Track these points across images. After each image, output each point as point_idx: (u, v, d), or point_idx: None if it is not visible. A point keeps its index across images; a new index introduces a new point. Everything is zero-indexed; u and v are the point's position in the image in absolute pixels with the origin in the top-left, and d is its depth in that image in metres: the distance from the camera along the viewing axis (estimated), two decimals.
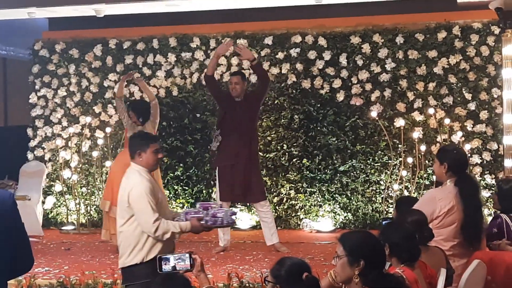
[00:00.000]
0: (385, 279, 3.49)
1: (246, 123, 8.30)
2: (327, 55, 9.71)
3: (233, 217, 5.42)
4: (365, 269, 3.44)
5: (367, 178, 9.68)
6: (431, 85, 9.45)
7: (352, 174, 9.73)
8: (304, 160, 9.82)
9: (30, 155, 10.64)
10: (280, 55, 9.86)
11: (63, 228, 10.19)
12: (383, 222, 5.10)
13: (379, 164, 9.65)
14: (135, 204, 5.13)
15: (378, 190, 9.66)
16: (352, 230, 7.55)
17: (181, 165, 10.21)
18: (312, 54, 9.75)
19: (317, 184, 9.80)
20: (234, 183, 8.25)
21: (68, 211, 10.34)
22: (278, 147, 9.93)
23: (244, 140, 8.26)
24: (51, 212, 10.52)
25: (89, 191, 10.41)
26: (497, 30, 9.21)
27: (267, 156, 9.91)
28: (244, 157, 8.23)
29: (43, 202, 10.31)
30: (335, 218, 9.72)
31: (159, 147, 5.37)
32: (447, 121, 9.32)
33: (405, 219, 4.74)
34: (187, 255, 3.81)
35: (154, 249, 5.13)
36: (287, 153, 9.90)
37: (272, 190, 9.87)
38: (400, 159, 9.45)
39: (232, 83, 8.34)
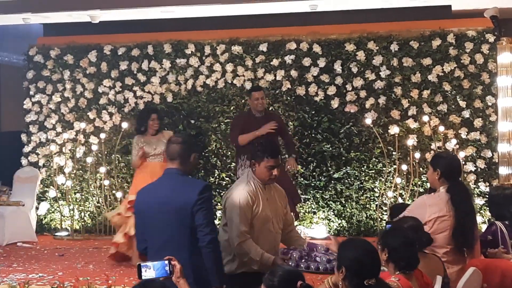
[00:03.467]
0: None
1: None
2: (321, 62, 9.72)
3: (328, 265, 4.97)
4: (347, 277, 3.61)
5: (361, 185, 9.68)
6: (426, 93, 9.47)
7: (346, 181, 9.73)
8: (299, 167, 9.80)
9: (24, 161, 10.60)
10: (275, 62, 9.86)
11: (57, 234, 10.16)
12: (387, 226, 5.09)
13: (373, 171, 9.66)
14: (228, 211, 4.96)
15: (372, 197, 9.66)
16: (350, 238, 7.56)
17: None
18: (306, 61, 9.76)
19: (311, 191, 9.80)
20: None
21: (62, 217, 10.30)
22: None
23: None
24: (45, 218, 10.49)
25: (83, 197, 10.37)
26: (491, 38, 9.26)
27: None
28: None
29: (37, 208, 10.27)
30: (329, 225, 9.71)
31: (275, 164, 5.01)
32: (441, 128, 9.33)
33: (401, 225, 4.73)
34: (167, 262, 3.81)
35: (245, 264, 4.87)
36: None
37: None
38: (395, 166, 9.46)
39: (259, 98, 8.41)
